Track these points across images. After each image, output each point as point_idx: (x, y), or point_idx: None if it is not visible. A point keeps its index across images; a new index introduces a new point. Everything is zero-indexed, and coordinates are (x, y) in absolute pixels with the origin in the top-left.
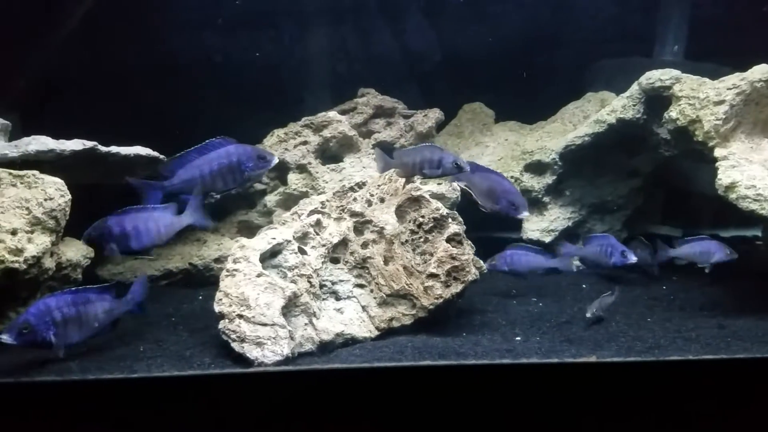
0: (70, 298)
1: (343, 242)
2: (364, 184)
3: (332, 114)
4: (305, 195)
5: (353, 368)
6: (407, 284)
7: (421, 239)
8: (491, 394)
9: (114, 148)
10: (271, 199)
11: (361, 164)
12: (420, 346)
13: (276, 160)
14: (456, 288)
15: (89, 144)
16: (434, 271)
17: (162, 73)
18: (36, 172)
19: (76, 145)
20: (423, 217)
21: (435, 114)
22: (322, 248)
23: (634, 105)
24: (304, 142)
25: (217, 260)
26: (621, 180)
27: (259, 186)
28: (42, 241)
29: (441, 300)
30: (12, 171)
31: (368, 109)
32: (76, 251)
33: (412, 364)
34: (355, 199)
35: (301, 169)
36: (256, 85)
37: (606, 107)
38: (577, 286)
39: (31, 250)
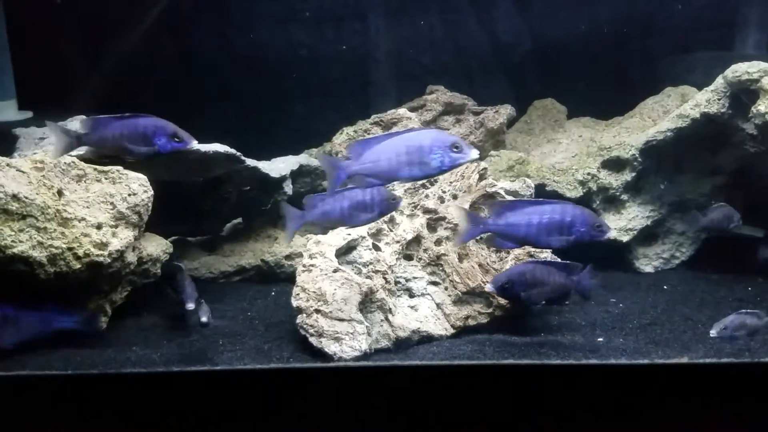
0: None
1: (417, 239)
2: (435, 180)
3: (402, 111)
4: None
5: (434, 365)
6: (483, 282)
7: None
8: (576, 395)
9: (194, 145)
10: None
11: None
12: (498, 344)
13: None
14: None
15: None
16: None
17: (233, 69)
18: (120, 167)
19: None
20: None
21: (506, 110)
22: (395, 245)
23: (719, 99)
24: None
25: (288, 257)
26: (703, 177)
27: (326, 183)
28: (125, 235)
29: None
30: (97, 167)
31: (437, 106)
32: (156, 246)
33: (493, 363)
34: (427, 196)
35: None
36: (327, 81)
37: (689, 101)
38: (657, 287)
39: (115, 244)
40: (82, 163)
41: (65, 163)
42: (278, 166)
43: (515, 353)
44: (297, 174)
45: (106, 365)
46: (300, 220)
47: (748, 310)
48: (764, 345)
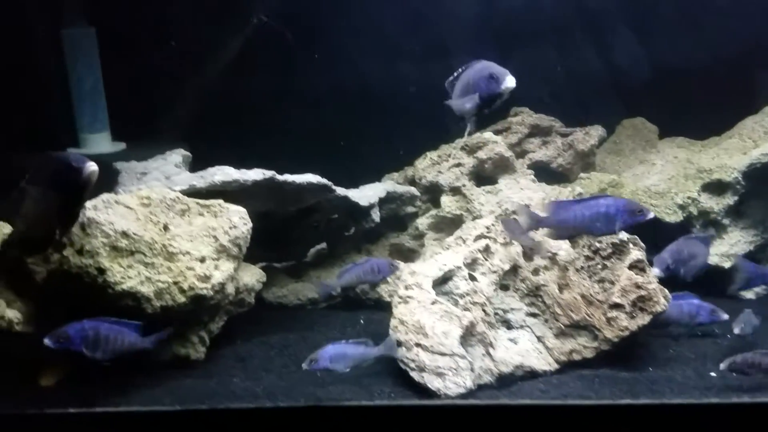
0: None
1: (513, 268)
2: (528, 206)
3: (488, 135)
4: (459, 218)
5: (547, 405)
6: (588, 314)
7: (599, 266)
8: None
9: (289, 177)
10: (423, 222)
11: (518, 186)
12: (608, 380)
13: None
14: (643, 320)
15: (268, 173)
16: (618, 300)
17: (316, 99)
18: (221, 201)
19: (256, 174)
20: (599, 242)
21: (597, 131)
22: (492, 275)
23: None
24: (458, 164)
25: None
26: None
27: (410, 209)
28: (227, 267)
29: (627, 332)
30: (199, 201)
31: (523, 129)
32: (251, 275)
33: (610, 403)
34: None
35: (455, 191)
36: (403, 107)
37: None
38: (761, 314)
39: (218, 277)
40: (186, 197)
41: (170, 198)
42: (366, 194)
43: (627, 390)
44: (383, 201)
45: (212, 399)
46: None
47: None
48: None
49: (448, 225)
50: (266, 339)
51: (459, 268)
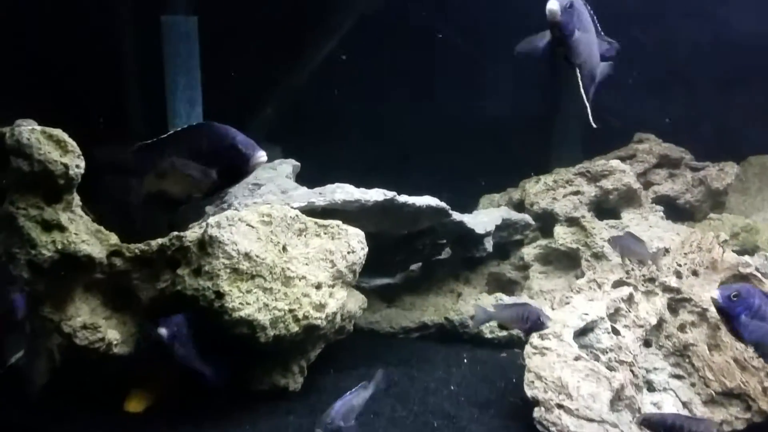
0: None
1: (657, 322)
2: (667, 250)
3: (615, 163)
4: (575, 253)
5: None
6: (743, 382)
7: None
8: None
9: (409, 199)
10: (529, 252)
11: (646, 222)
12: None
13: None
14: None
15: (389, 194)
16: None
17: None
18: (339, 222)
19: (377, 195)
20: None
21: (733, 169)
22: (638, 329)
23: None
24: (577, 192)
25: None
26: None
27: (517, 237)
28: (341, 296)
29: None
30: (318, 220)
31: (650, 158)
32: (354, 301)
33: None
34: (659, 268)
35: (572, 222)
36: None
37: None
38: None
39: (332, 306)
40: (304, 216)
41: (290, 216)
42: (482, 220)
43: None
44: (496, 227)
45: None
46: None
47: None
48: None
49: (560, 259)
50: (362, 371)
51: (602, 319)
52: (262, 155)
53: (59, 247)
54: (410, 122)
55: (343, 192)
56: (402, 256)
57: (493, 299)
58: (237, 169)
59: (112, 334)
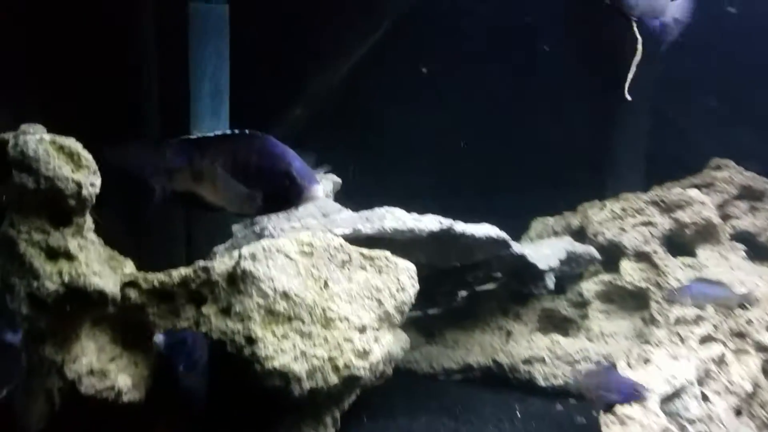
0: None
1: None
2: (757, 300)
3: (694, 193)
4: (643, 293)
5: None
6: None
7: None
8: None
9: (467, 228)
10: (589, 288)
11: (727, 263)
12: None
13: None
14: None
15: (446, 223)
16: None
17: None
18: (388, 254)
19: (432, 223)
20: None
21: None
22: (731, 397)
23: None
24: (648, 223)
25: (527, 361)
26: None
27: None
28: (387, 340)
29: None
30: (363, 251)
31: (731, 189)
32: (397, 341)
33: None
34: (749, 322)
35: (642, 257)
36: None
37: None
38: None
39: (377, 353)
40: (349, 245)
41: (334, 246)
42: (544, 253)
43: None
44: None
45: None
46: None
47: None
48: None
49: (624, 298)
50: (400, 422)
51: (691, 384)
52: (318, 190)
53: (66, 279)
54: (454, 133)
55: (393, 219)
56: (447, 287)
57: (548, 341)
58: (285, 199)
59: (122, 380)
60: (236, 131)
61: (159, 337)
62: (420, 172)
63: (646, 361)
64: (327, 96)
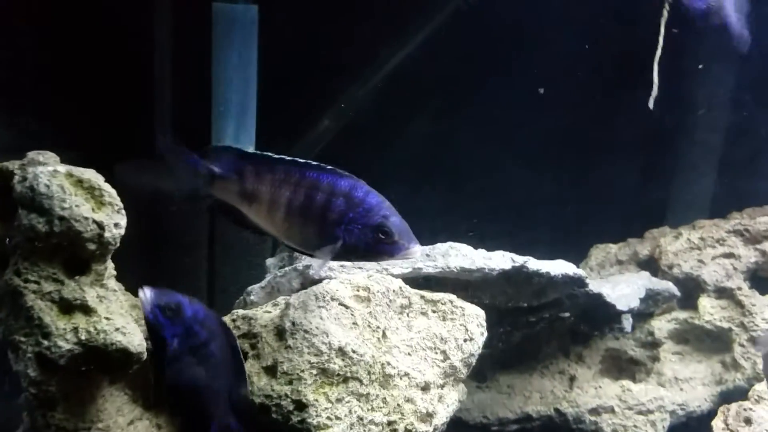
0: None
1: None
2: None
3: None
4: (724, 333)
5: None
6: None
7: None
8: None
9: (542, 266)
10: (661, 327)
11: None
12: None
13: None
14: None
15: (518, 260)
16: None
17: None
18: (453, 297)
19: (503, 261)
20: None
21: None
22: None
23: None
24: (730, 255)
25: (594, 411)
26: None
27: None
28: (452, 399)
29: None
30: (424, 294)
31: None
32: (457, 395)
33: None
34: None
35: (723, 293)
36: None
37: None
38: None
39: (441, 415)
40: (408, 287)
41: (393, 290)
42: (623, 293)
43: None
44: None
45: None
46: None
47: None
48: None
49: (701, 338)
50: None
51: None
52: (416, 251)
53: (83, 337)
54: (498, 152)
55: (459, 256)
56: (506, 328)
57: (617, 388)
58: (375, 253)
59: None
60: (312, 162)
61: (147, 292)
62: (452, 189)
63: (746, 419)
64: (356, 108)
